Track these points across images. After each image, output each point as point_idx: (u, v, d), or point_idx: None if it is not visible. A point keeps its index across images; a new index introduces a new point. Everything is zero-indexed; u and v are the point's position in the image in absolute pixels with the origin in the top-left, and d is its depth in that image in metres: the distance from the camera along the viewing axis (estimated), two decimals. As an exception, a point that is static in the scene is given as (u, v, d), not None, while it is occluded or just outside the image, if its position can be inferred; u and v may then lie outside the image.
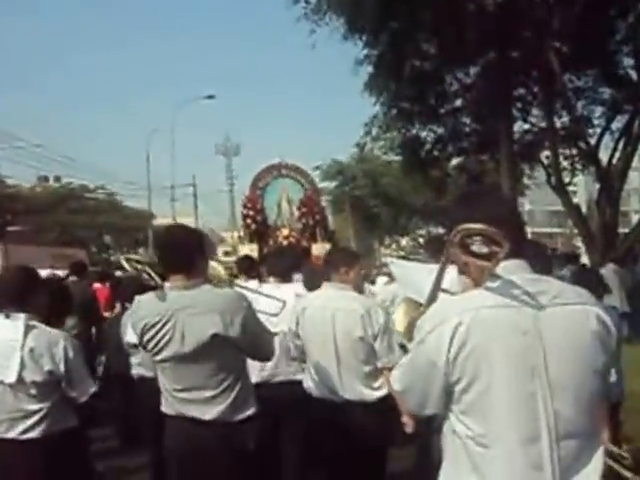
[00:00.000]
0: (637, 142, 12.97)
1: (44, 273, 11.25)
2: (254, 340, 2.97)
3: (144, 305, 2.96)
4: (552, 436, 1.61)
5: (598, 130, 14.36)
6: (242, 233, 20.17)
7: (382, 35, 12.93)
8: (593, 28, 11.55)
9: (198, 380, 2.85)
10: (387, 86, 14.55)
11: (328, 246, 16.91)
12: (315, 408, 3.80)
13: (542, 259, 3.04)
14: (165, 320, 2.83)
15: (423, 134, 16.79)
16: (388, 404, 3.58)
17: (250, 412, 2.94)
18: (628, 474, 2.33)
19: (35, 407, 3.08)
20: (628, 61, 13.08)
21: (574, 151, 15.33)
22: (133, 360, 4.86)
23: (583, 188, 34.74)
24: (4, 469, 3.10)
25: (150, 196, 33.01)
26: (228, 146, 44.26)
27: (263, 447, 3.04)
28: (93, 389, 3.25)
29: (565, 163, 15.56)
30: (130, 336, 4.43)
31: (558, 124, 14.42)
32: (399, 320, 2.05)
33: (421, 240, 35.69)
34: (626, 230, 16.11)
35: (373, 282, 8.90)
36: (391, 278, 8.94)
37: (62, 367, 3.09)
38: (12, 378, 3.03)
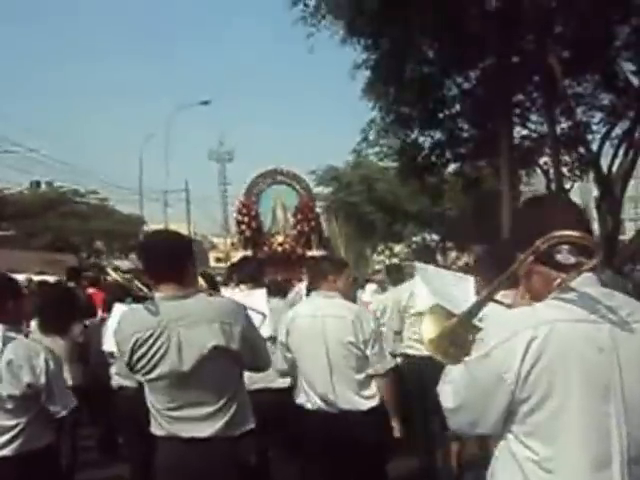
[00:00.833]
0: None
1: (36, 278, 11.05)
2: (254, 350, 2.82)
3: (131, 319, 2.73)
4: (624, 461, 1.50)
5: (597, 136, 14.27)
6: (235, 239, 20.01)
7: (381, 39, 12.81)
8: (594, 33, 11.44)
9: (195, 396, 2.66)
10: (386, 91, 14.41)
11: (323, 253, 16.86)
12: (309, 421, 3.71)
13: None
14: (157, 334, 2.60)
15: (421, 139, 16.67)
16: (381, 411, 3.65)
17: (250, 426, 2.77)
18: None
19: (10, 423, 2.90)
20: (629, 66, 12.99)
21: (574, 157, 15.20)
22: (112, 369, 4.71)
23: (578, 196, 34.75)
24: None
25: (142, 201, 32.83)
26: (221, 152, 44.25)
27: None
28: (74, 404, 3.10)
29: (564, 169, 15.44)
30: (108, 345, 4.35)
31: (557, 130, 14.30)
32: (427, 329, 1.89)
33: (415, 247, 35.65)
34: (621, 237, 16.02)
35: (362, 287, 8.80)
36: (381, 286, 8.92)
37: (43, 379, 2.93)
38: None
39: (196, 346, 2.60)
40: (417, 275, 4.16)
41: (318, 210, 20.76)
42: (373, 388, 3.68)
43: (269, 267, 8.15)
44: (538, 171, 16.77)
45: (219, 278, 6.46)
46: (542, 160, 16.08)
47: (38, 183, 38.40)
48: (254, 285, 4.65)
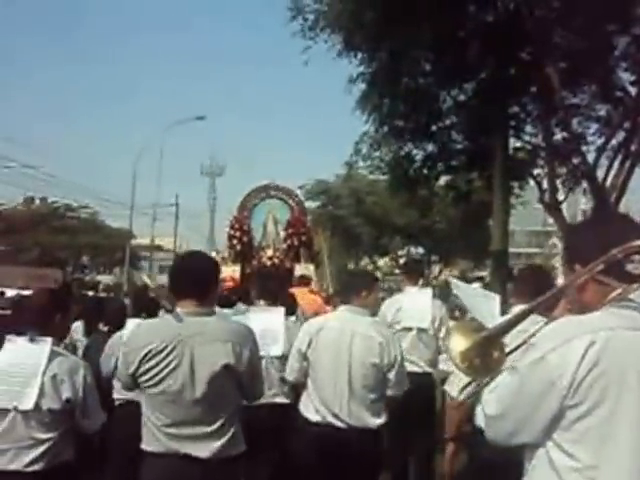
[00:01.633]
0: (636, 159, 12.92)
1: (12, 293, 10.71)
2: (254, 376, 2.90)
3: (147, 330, 2.81)
4: None
5: (592, 147, 14.35)
6: (226, 254, 19.90)
7: (379, 52, 12.82)
8: (593, 44, 11.53)
9: (196, 414, 2.68)
10: (380, 103, 14.41)
11: (312, 267, 16.85)
12: (311, 432, 3.72)
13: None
14: (171, 347, 2.64)
15: (413, 151, 16.68)
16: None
17: (243, 448, 2.84)
18: None
19: (45, 436, 2.94)
20: (627, 76, 13.10)
21: (569, 168, 15.26)
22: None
23: (565, 208, 35.09)
24: None
25: (132, 215, 32.52)
26: (213, 167, 44.28)
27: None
28: (104, 420, 3.14)
29: (557, 181, 15.49)
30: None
31: (552, 141, 14.37)
32: (456, 342, 1.83)
33: (401, 260, 35.67)
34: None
35: None
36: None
37: (81, 395, 3.01)
38: (29, 405, 2.86)
39: (209, 363, 2.66)
40: (456, 293, 4.33)
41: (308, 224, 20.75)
42: (382, 407, 3.74)
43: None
44: (531, 183, 16.80)
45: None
46: (535, 172, 16.12)
47: (32, 199, 38.56)
48: (273, 302, 4.71)
